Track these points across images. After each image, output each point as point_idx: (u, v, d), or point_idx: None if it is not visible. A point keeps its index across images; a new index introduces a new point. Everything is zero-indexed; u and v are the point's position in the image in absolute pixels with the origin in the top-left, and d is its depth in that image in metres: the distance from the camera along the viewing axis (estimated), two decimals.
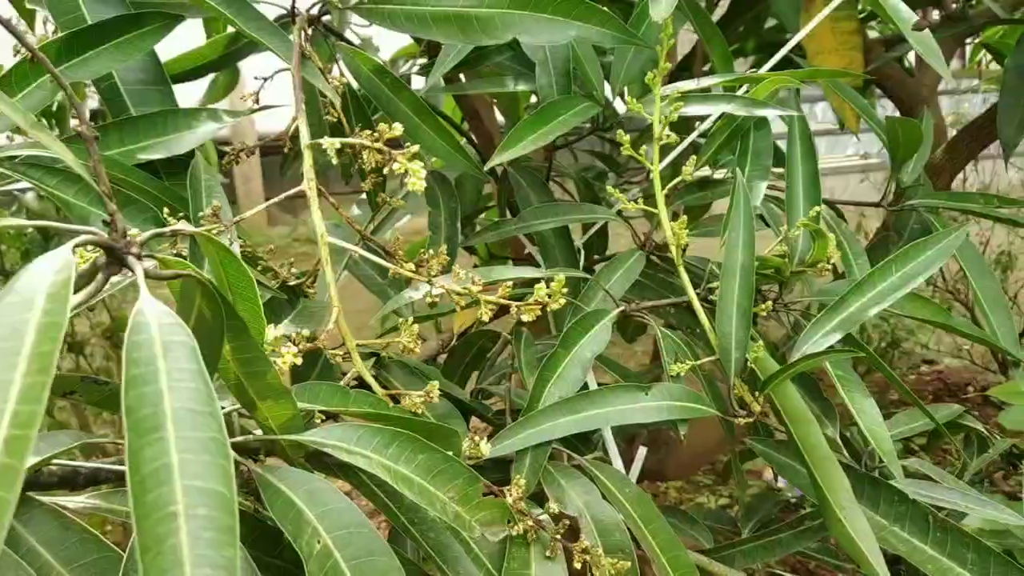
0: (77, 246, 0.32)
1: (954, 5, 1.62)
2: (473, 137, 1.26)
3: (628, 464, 0.98)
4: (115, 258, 0.34)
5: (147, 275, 0.35)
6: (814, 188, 0.89)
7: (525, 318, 0.60)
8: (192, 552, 0.27)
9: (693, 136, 1.01)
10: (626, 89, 1.01)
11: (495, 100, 1.49)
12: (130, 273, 0.36)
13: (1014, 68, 1.22)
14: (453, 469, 0.55)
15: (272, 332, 0.53)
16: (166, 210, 0.61)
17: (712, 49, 1.20)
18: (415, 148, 0.56)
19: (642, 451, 0.99)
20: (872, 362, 0.76)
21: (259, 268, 0.75)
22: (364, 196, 1.02)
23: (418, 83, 1.33)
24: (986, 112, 1.48)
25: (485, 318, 0.61)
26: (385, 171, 0.58)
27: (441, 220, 1.06)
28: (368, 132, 0.61)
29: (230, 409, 0.55)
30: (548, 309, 0.58)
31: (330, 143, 0.60)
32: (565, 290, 0.58)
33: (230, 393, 0.52)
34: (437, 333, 1.14)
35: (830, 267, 0.85)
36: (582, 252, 1.08)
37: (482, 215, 1.53)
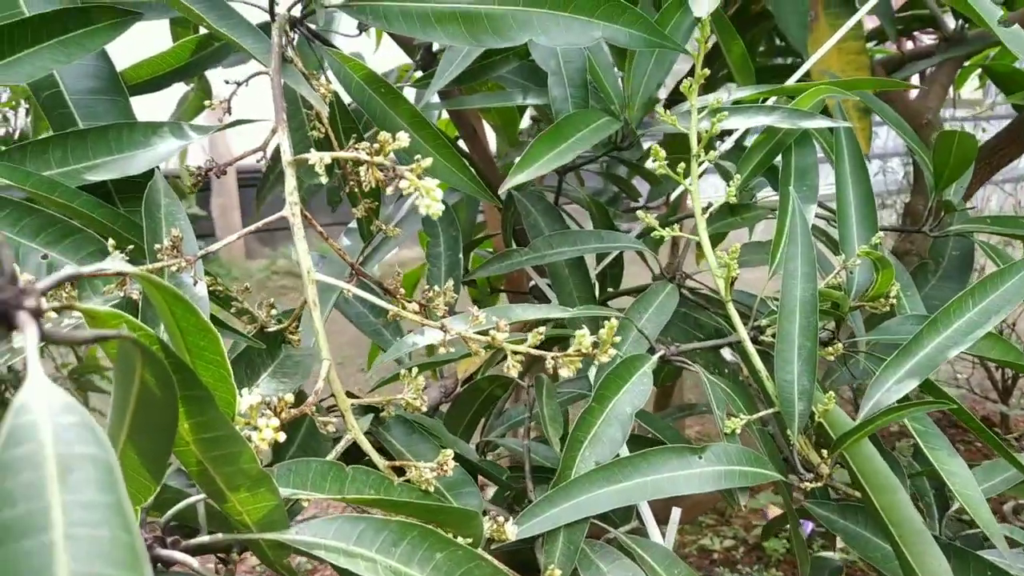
0: None
1: (952, 26, 1.55)
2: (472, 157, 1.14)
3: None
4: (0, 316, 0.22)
5: (54, 339, 0.23)
6: (869, 210, 0.78)
7: (565, 373, 0.48)
8: None
9: (718, 152, 0.90)
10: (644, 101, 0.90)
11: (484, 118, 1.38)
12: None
13: None
14: (481, 571, 0.43)
15: (247, 400, 0.40)
16: (111, 242, 0.49)
17: (730, 53, 1.11)
18: (425, 161, 0.44)
19: (676, 513, 0.87)
20: (965, 420, 0.65)
21: (233, 310, 0.62)
22: (353, 224, 0.90)
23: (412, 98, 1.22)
24: (1001, 133, 1.40)
25: (513, 373, 0.49)
26: (388, 191, 0.46)
27: (440, 250, 0.95)
28: (365, 144, 0.49)
29: (195, 500, 0.42)
30: (596, 361, 0.46)
31: (319, 158, 0.48)
32: (617, 339, 0.46)
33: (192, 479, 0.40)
34: (438, 379, 1.02)
35: (894, 300, 0.74)
36: (596, 285, 0.96)
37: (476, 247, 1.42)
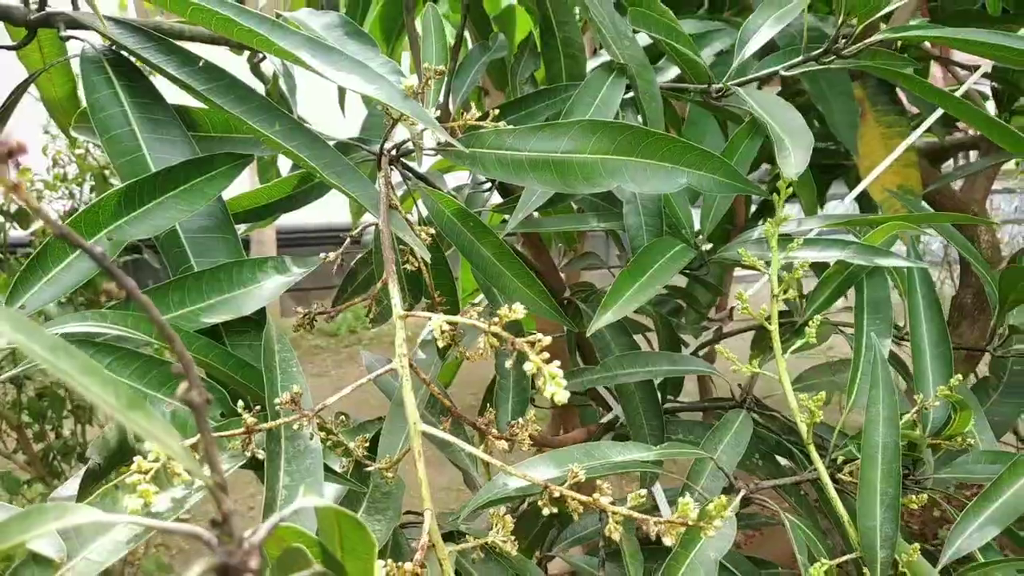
0: None
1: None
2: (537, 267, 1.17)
3: None
4: None
5: None
6: (945, 348, 0.79)
7: (667, 541, 0.49)
8: None
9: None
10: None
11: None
12: None
13: None
14: None
15: (379, 571, 0.42)
16: (240, 404, 0.52)
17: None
18: (546, 339, 0.46)
19: None
20: None
21: (328, 443, 0.65)
22: (428, 336, 0.93)
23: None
24: None
25: (616, 537, 0.50)
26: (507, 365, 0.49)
27: (508, 362, 0.97)
28: (475, 309, 0.52)
29: None
30: (703, 533, 0.48)
31: (438, 324, 0.51)
32: (727, 513, 0.47)
33: None
34: None
35: (971, 441, 0.74)
36: (658, 394, 0.98)
37: None
